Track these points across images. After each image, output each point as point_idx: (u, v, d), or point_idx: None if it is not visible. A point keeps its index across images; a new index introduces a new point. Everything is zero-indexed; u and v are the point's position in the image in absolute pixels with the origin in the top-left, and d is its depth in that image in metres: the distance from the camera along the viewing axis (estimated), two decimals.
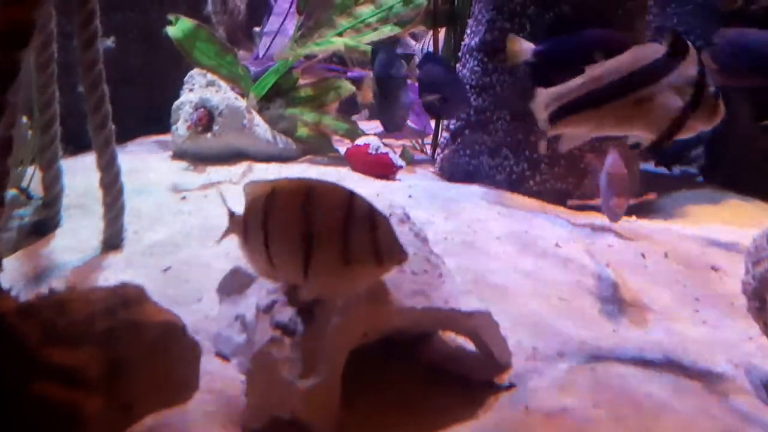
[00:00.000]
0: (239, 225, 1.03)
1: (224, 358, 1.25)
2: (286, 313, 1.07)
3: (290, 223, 0.94)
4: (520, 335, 1.29)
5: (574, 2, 2.47)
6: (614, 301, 1.56)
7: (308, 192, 0.94)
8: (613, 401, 1.07)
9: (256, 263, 1.03)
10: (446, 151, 2.74)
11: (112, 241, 1.87)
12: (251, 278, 1.30)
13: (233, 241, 1.85)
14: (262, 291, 1.16)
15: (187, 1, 3.12)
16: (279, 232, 0.95)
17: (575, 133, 1.44)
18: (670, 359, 1.32)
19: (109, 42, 2.83)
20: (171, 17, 2.62)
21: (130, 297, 0.83)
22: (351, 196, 0.94)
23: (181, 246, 1.82)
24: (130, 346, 0.80)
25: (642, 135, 1.36)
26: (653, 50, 1.31)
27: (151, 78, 3.01)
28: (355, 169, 2.57)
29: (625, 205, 1.81)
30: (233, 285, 1.33)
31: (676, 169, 3.29)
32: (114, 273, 1.67)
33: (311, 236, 0.92)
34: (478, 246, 1.75)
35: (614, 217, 1.82)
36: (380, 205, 1.35)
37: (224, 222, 1.97)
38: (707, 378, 1.26)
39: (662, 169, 3.25)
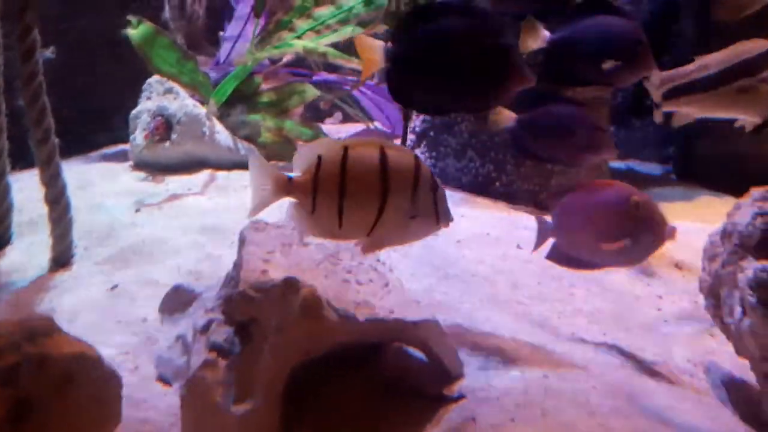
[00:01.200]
0: (302, 187, 1.02)
1: (166, 382, 1.20)
2: (222, 333, 1.02)
3: (369, 181, 1.00)
4: (471, 342, 1.25)
5: (533, 1, 2.45)
6: (572, 302, 1.53)
7: (383, 152, 1.01)
8: (562, 409, 1.04)
9: (323, 224, 1.03)
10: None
11: (61, 258, 1.81)
12: (193, 295, 1.25)
13: (184, 256, 1.82)
14: (199, 310, 1.10)
15: (145, 8, 3.05)
16: (358, 189, 1.00)
17: (685, 112, 1.67)
18: (627, 360, 1.28)
19: (49, 53, 2.76)
20: (131, 18, 2.55)
21: (37, 329, 0.77)
22: (417, 158, 1.03)
23: (131, 262, 1.76)
24: (38, 383, 0.74)
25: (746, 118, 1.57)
26: (758, 45, 1.52)
27: (117, 85, 2.95)
28: None
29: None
30: (175, 303, 1.27)
31: (657, 168, 3.28)
32: (59, 293, 1.61)
33: (386, 193, 1.00)
34: (438, 251, 1.71)
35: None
36: None
37: (177, 234, 1.94)
38: (664, 378, 1.23)
39: (635, 167, 3.24)
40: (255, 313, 0.98)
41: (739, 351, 1.21)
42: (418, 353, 1.18)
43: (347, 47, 2.81)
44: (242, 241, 1.08)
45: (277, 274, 0.99)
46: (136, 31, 2.54)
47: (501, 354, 1.22)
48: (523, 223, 2.07)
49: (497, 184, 2.46)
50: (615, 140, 3.93)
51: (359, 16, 2.82)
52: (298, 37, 2.68)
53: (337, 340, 1.04)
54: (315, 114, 4.06)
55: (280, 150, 2.79)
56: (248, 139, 2.79)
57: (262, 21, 2.98)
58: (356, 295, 1.07)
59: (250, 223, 1.12)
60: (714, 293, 1.25)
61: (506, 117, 1.73)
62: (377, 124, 3.51)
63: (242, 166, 2.70)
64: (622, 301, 1.59)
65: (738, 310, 1.13)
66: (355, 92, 3.34)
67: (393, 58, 1.11)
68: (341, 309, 1.01)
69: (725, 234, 1.22)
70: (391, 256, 1.69)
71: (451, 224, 1.86)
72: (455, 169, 2.54)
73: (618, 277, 1.73)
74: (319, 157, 1.02)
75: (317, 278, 1.06)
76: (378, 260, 1.17)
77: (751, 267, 1.10)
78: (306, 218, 1.03)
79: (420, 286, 1.50)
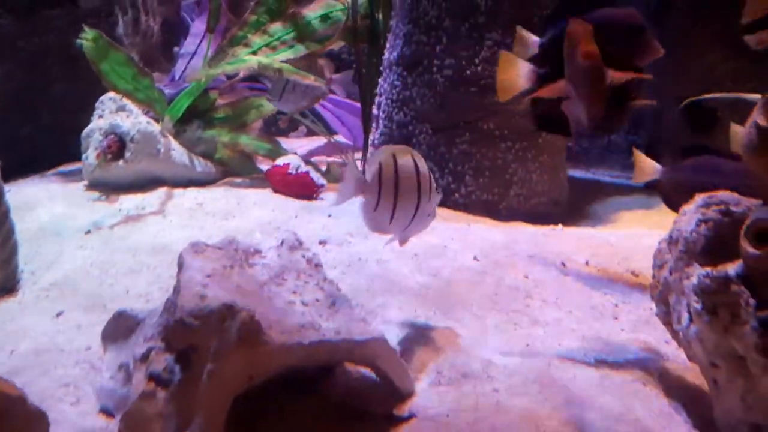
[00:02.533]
0: (371, 188, 1.28)
1: (109, 414, 1.15)
2: (161, 362, 0.98)
3: (413, 184, 1.29)
4: (425, 358, 1.24)
5: (489, 13, 2.46)
6: (528, 313, 1.52)
7: (414, 159, 1.30)
8: (513, 426, 1.02)
9: (381, 219, 1.31)
10: None
11: (6, 284, 1.75)
12: (137, 321, 1.21)
13: (134, 278, 1.77)
14: (139, 337, 1.06)
15: (98, 24, 3.00)
16: (405, 191, 1.28)
17: None
18: (582, 370, 1.28)
19: None
20: (86, 30, 2.49)
21: None
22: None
23: (79, 286, 1.70)
24: None
25: None
26: None
27: (73, 104, 2.89)
28: (276, 190, 2.49)
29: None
30: (118, 330, 1.23)
31: (622, 177, 3.30)
32: (1, 321, 1.55)
33: (420, 191, 1.30)
34: (392, 266, 1.70)
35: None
36: (278, 234, 1.28)
37: (128, 256, 1.89)
38: (617, 387, 1.23)
39: (599, 176, 3.28)
40: (193, 341, 0.95)
41: (690, 357, 1.22)
42: (369, 372, 1.16)
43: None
44: (181, 265, 1.05)
45: (216, 299, 0.96)
46: (90, 44, 2.48)
47: (454, 369, 1.20)
48: (481, 234, 2.07)
49: (456, 195, 2.46)
50: (578, 150, 3.96)
51: (316, 32, 2.81)
52: (253, 53, 2.65)
53: (281, 364, 1.02)
54: (279, 128, 4.03)
55: (237, 165, 2.76)
56: (205, 155, 2.75)
57: (217, 37, 2.95)
58: (301, 317, 1.04)
59: (190, 246, 1.08)
60: (664, 300, 1.26)
61: (651, 168, 1.71)
62: (339, 137, 3.50)
63: (198, 183, 2.65)
64: (578, 310, 1.59)
65: (685, 316, 1.14)
66: (316, 106, 3.32)
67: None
68: (284, 332, 0.99)
69: (672, 241, 1.22)
70: (346, 272, 1.67)
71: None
72: None
73: (575, 285, 1.74)
74: (380, 164, 1.27)
75: (260, 301, 1.03)
76: (325, 279, 1.14)
77: (695, 273, 1.10)
78: (370, 214, 1.29)
79: (373, 302, 1.48)
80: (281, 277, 1.11)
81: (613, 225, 2.49)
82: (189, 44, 3.22)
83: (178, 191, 2.54)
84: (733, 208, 1.13)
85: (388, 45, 2.71)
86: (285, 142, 3.49)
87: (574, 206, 2.60)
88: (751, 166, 1.03)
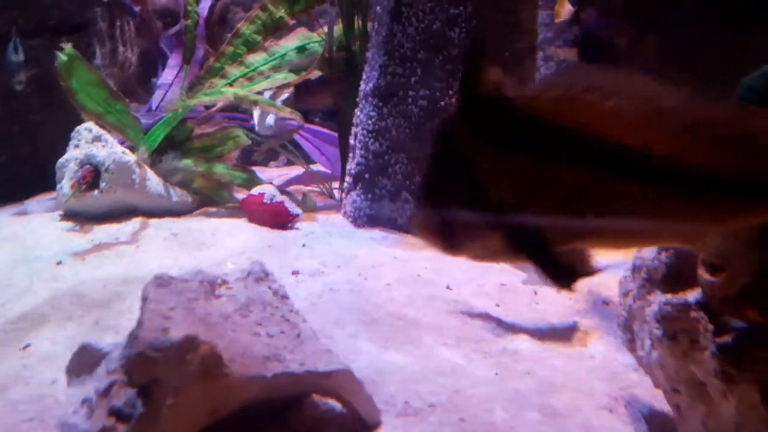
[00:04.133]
0: None
1: None
2: (123, 396, 0.97)
3: None
4: (393, 389, 1.23)
5: (462, 45, 2.52)
6: (500, 342, 1.53)
7: None
8: None
9: None
10: (349, 196, 2.70)
11: None
12: (101, 354, 1.20)
13: (105, 310, 1.75)
14: (102, 371, 1.05)
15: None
16: None
17: None
18: (552, 396, 1.28)
19: None
20: (65, 47, 2.48)
21: None
22: None
23: (48, 318, 1.68)
24: None
25: None
26: None
27: (51, 133, 2.89)
28: (251, 219, 2.49)
29: None
30: (83, 363, 1.21)
31: None
32: None
33: None
34: (365, 295, 1.70)
35: None
36: (242, 266, 1.28)
37: (99, 287, 1.87)
38: (582, 415, 1.23)
39: None
40: (155, 374, 0.94)
41: (655, 383, 1.23)
42: (335, 404, 1.16)
43: None
44: (145, 298, 1.05)
45: (178, 332, 0.96)
46: (65, 59, 2.47)
47: (421, 399, 1.20)
48: (456, 263, 2.08)
49: None
50: None
51: (292, 63, 2.84)
52: (230, 84, 2.68)
53: (245, 397, 1.01)
54: (260, 158, 4.04)
55: (213, 195, 2.76)
56: (181, 184, 2.75)
57: (195, 68, 2.98)
58: (266, 349, 1.04)
59: (154, 278, 1.08)
60: (629, 328, 1.27)
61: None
62: (318, 166, 3.51)
63: (174, 213, 2.65)
64: (549, 339, 1.60)
65: (648, 343, 1.15)
66: (295, 136, 3.35)
67: None
68: (247, 364, 0.98)
69: (635, 269, 1.24)
70: (317, 303, 1.67)
71: (381, 267, 1.85)
72: (390, 211, 2.54)
73: (546, 314, 1.75)
74: None
75: (223, 333, 1.03)
76: (291, 310, 1.15)
77: (657, 301, 1.12)
78: None
79: (344, 333, 1.48)
80: (247, 309, 1.11)
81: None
82: (167, 75, 3.23)
83: (153, 221, 2.54)
84: None
85: (364, 76, 2.75)
86: (263, 172, 3.50)
87: None
88: None
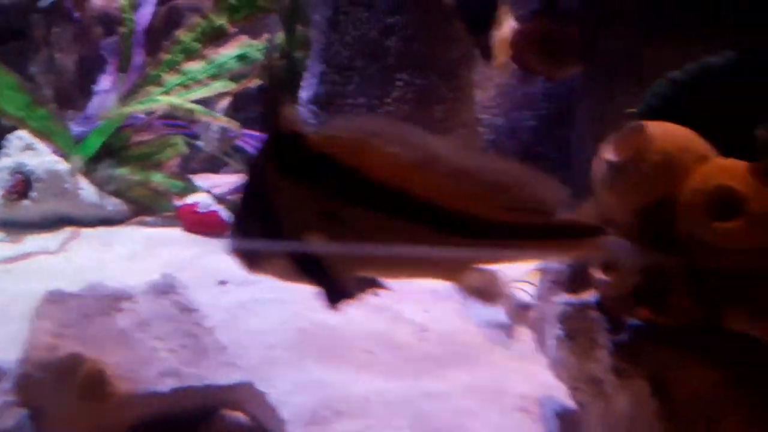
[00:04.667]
0: None
1: None
2: (12, 418, 0.95)
3: None
4: (301, 399, 1.23)
5: (399, 54, 2.54)
6: (418, 347, 1.54)
7: None
8: None
9: None
10: None
11: None
12: (2, 372, 1.16)
13: (24, 324, 1.70)
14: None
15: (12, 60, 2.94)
16: None
17: None
18: (462, 399, 1.30)
19: None
20: None
21: None
22: None
23: None
24: None
25: None
26: None
27: None
28: (186, 228, 2.46)
29: None
30: None
31: None
32: None
33: None
34: (288, 307, 1.68)
35: None
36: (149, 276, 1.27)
37: (18, 301, 1.82)
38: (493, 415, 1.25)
39: None
40: (40, 394, 0.92)
41: (563, 383, 1.25)
42: (243, 416, 1.15)
43: None
44: (36, 316, 1.02)
45: (67, 350, 0.94)
46: None
47: (329, 408, 1.20)
48: None
49: None
50: None
51: (232, 71, 2.83)
52: (166, 92, 2.65)
53: (139, 414, 1.00)
54: (202, 165, 3.98)
55: (150, 204, 2.71)
56: (117, 193, 2.70)
57: (134, 75, 2.93)
58: (164, 364, 1.03)
59: (47, 294, 1.06)
60: (540, 329, 1.30)
61: None
62: None
63: (109, 222, 2.60)
64: (472, 342, 1.62)
65: (552, 343, 1.18)
66: (240, 142, 3.32)
67: None
68: (141, 381, 0.97)
69: (545, 272, 1.27)
70: (239, 314, 1.66)
71: None
72: None
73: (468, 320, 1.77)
74: None
75: (118, 350, 1.02)
76: (196, 323, 1.14)
77: (559, 301, 1.15)
78: None
79: (262, 343, 1.47)
80: (147, 324, 1.09)
81: None
82: (105, 82, 3.17)
83: (86, 231, 2.49)
84: None
85: (303, 84, 2.75)
86: (208, 180, 3.46)
87: None
88: (600, 198, 1.09)
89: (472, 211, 0.86)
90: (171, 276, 1.23)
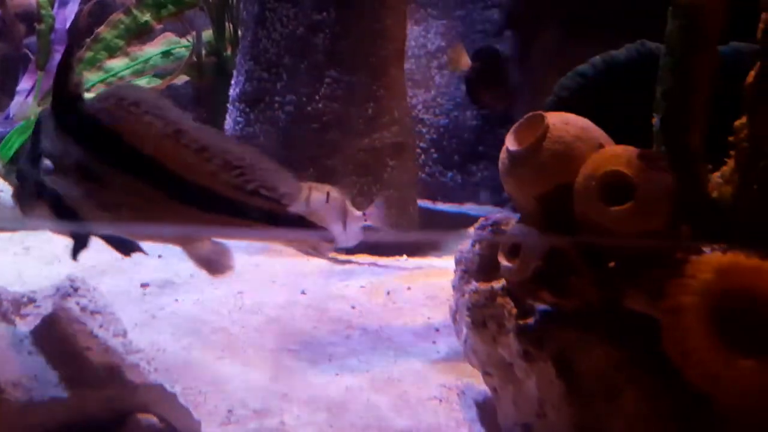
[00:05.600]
0: None
1: None
2: None
3: None
4: (218, 399, 1.21)
5: (327, 51, 2.53)
6: (346, 344, 1.54)
7: None
8: None
9: None
10: None
11: None
12: None
13: None
14: None
15: None
16: None
17: None
18: (383, 392, 1.30)
19: None
20: None
21: None
22: None
23: None
24: None
25: None
26: None
27: None
28: None
29: None
30: None
31: (494, 211, 3.43)
32: None
33: None
34: (209, 306, 1.65)
35: None
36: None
37: None
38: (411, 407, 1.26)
39: (469, 211, 3.40)
40: None
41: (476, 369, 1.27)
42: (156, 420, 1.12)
43: None
44: None
45: None
46: None
47: (246, 407, 1.19)
48: (318, 268, 2.08)
49: None
50: (453, 185, 4.08)
51: (157, 67, 2.76)
52: (87, 90, 2.56)
53: (37, 422, 0.96)
54: None
55: None
56: None
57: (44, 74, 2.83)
58: (61, 371, 0.99)
59: None
60: (455, 319, 1.31)
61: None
62: None
63: (32, 226, 2.49)
64: (398, 337, 1.63)
65: (465, 331, 1.19)
66: None
67: None
68: (37, 388, 0.93)
69: (457, 262, 1.29)
70: (157, 315, 1.62)
71: (238, 276, 1.82)
72: None
73: (400, 314, 1.78)
74: None
75: (17, 355, 0.98)
76: (101, 326, 1.10)
77: (468, 290, 1.17)
78: None
79: (178, 345, 1.44)
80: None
81: None
82: (26, 81, 3.05)
83: (5, 235, 2.38)
84: (503, 228, 1.21)
85: (232, 81, 2.71)
86: None
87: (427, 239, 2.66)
88: (506, 187, 1.11)
89: (212, 186, 0.96)
90: (77, 278, 1.19)
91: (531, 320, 1.08)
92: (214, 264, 1.09)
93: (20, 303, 1.10)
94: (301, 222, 1.05)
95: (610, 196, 0.96)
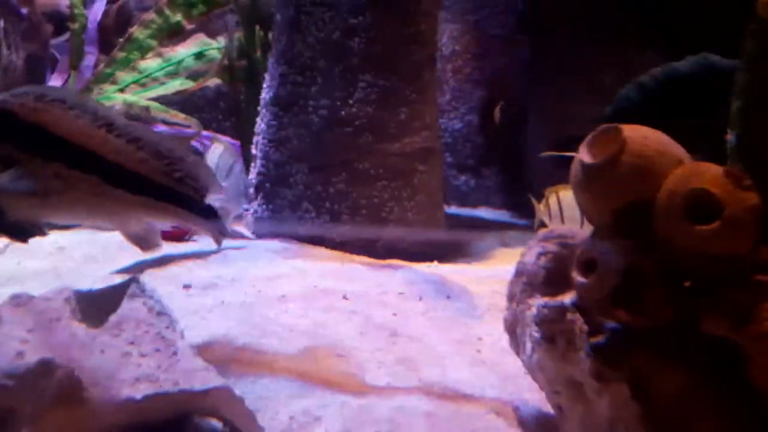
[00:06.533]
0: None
1: None
2: None
3: None
4: (278, 404, 1.20)
5: (362, 55, 2.52)
6: (394, 350, 1.53)
7: None
8: None
9: None
10: (251, 206, 2.65)
11: None
12: None
13: None
14: None
15: None
16: None
17: None
18: (438, 406, 1.29)
19: None
20: None
21: None
22: None
23: None
24: None
25: None
26: None
27: None
28: None
29: None
30: None
31: (505, 215, 3.42)
32: None
33: None
34: (257, 308, 1.65)
35: None
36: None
37: None
38: (472, 420, 1.25)
39: (483, 214, 3.39)
40: (9, 403, 0.86)
41: (539, 386, 1.26)
42: (218, 423, 1.11)
43: None
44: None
45: (35, 356, 0.89)
46: None
47: (307, 414, 1.18)
48: (355, 273, 2.07)
49: (333, 234, 2.45)
50: (466, 189, 4.08)
51: (189, 69, 2.76)
52: (121, 90, 2.56)
53: (112, 422, 0.95)
54: None
55: None
56: None
57: (87, 74, 2.83)
58: (137, 369, 0.98)
59: (10, 298, 1.00)
60: (513, 331, 1.30)
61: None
62: None
63: (63, 226, 2.49)
64: (442, 345, 1.62)
65: (529, 346, 1.18)
66: (196, 144, 3.24)
67: None
68: (114, 387, 0.92)
69: (518, 274, 1.27)
70: (207, 317, 1.61)
71: (278, 279, 1.81)
72: (291, 221, 2.50)
73: (440, 322, 1.77)
74: None
75: (87, 355, 0.96)
76: (167, 327, 1.09)
77: (536, 304, 1.15)
78: None
79: (232, 347, 1.43)
80: (118, 328, 1.04)
81: (489, 261, 2.57)
82: (55, 80, 3.05)
83: None
84: (570, 241, 1.20)
85: (265, 85, 2.71)
86: None
87: (453, 244, 2.66)
88: (577, 200, 1.10)
89: (138, 170, 1.12)
90: (137, 278, 1.18)
91: (602, 338, 1.07)
92: (144, 242, 1.32)
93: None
94: (211, 212, 1.25)
95: (693, 214, 0.94)
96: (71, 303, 1.04)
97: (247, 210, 2.27)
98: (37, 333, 0.94)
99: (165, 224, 2.36)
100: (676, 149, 1.04)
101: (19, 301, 0.98)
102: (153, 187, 1.17)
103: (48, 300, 1.01)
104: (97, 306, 1.11)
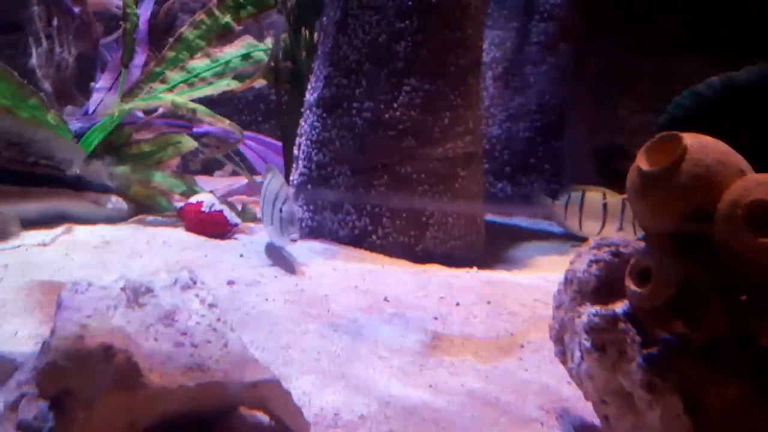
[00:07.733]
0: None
1: None
2: (32, 409, 0.91)
3: None
4: (323, 400, 1.20)
5: (408, 59, 2.52)
6: (434, 354, 1.52)
7: None
8: None
9: None
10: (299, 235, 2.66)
11: None
12: (15, 364, 1.13)
13: (24, 319, 1.66)
14: (11, 383, 0.99)
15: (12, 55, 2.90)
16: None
17: None
18: (482, 409, 1.28)
19: None
20: None
21: None
22: None
23: None
24: None
25: None
26: None
27: None
28: (189, 228, 2.42)
29: None
30: None
31: (543, 223, 3.38)
32: None
33: None
34: (299, 307, 1.66)
35: None
36: (170, 272, 1.24)
37: (22, 295, 1.78)
38: (514, 427, 1.23)
39: (520, 222, 3.36)
40: (67, 385, 0.89)
41: (585, 395, 1.24)
42: (264, 417, 1.12)
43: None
44: (59, 305, 0.99)
45: (93, 341, 0.91)
46: None
47: (352, 412, 1.18)
48: (395, 275, 2.07)
49: (374, 236, 2.46)
50: (502, 196, 4.06)
51: (236, 70, 2.80)
52: (170, 89, 2.61)
53: (166, 409, 0.96)
54: (198, 167, 3.94)
55: (150, 203, 2.67)
56: (117, 192, 2.65)
57: (136, 72, 2.89)
58: (189, 359, 1.00)
59: (70, 285, 1.03)
60: (560, 339, 1.28)
61: None
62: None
63: (109, 220, 2.55)
64: (483, 350, 1.61)
65: (577, 354, 1.16)
66: (240, 146, 3.29)
67: None
68: (168, 374, 0.94)
69: (567, 281, 1.26)
70: (251, 313, 1.63)
71: (320, 279, 1.82)
72: (332, 222, 2.52)
73: (481, 328, 1.76)
74: None
75: (145, 342, 0.98)
76: (218, 319, 1.10)
77: (586, 312, 1.14)
78: None
79: (279, 343, 1.45)
80: (171, 318, 1.06)
81: (528, 269, 2.54)
82: (106, 78, 3.14)
83: (84, 228, 2.44)
84: (622, 250, 1.18)
85: (309, 86, 2.73)
86: (207, 181, 3.42)
87: (491, 250, 2.64)
88: (633, 207, 1.08)
89: None
90: (191, 271, 1.20)
91: (655, 349, 1.05)
92: (1, 231, 1.35)
93: (138, 293, 1.11)
94: (79, 182, 1.35)
95: (755, 225, 0.92)
96: (127, 292, 1.06)
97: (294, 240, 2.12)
98: (95, 318, 0.97)
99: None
100: (737, 159, 1.01)
101: (78, 288, 1.01)
102: (10, 175, 1.26)
103: (105, 288, 1.04)
104: (151, 296, 1.13)
